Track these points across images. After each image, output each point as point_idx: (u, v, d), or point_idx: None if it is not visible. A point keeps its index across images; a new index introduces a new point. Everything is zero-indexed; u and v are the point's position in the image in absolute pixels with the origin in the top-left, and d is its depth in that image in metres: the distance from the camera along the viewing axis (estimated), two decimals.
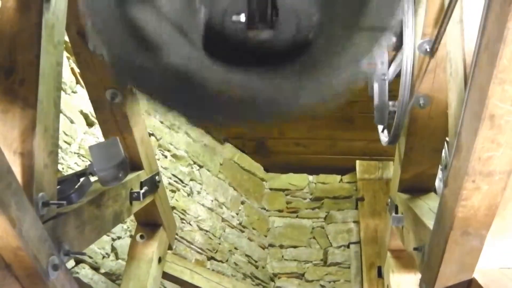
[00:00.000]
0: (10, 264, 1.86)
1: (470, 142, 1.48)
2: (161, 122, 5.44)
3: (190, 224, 5.48)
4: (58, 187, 2.24)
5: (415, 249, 2.35)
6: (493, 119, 1.38)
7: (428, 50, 2.34)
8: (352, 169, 6.14)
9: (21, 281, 1.94)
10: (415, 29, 2.36)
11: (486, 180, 1.52)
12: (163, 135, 5.39)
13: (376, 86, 2.72)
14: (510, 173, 1.51)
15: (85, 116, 4.53)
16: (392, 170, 3.38)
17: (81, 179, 2.41)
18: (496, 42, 1.29)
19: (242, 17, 1.82)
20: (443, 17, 1.91)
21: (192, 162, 5.67)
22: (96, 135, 4.58)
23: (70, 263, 4.11)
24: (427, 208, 2.54)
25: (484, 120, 1.39)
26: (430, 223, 2.06)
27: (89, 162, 4.40)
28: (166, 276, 4.32)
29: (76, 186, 2.37)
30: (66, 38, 2.44)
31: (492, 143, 1.43)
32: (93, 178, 2.49)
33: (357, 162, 6.06)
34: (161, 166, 5.06)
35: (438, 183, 2.85)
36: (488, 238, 1.70)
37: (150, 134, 4.95)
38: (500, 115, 1.37)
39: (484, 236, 1.68)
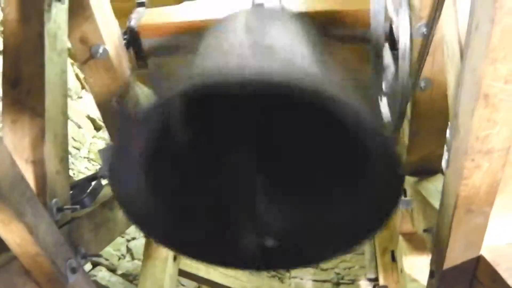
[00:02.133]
0: (30, 270, 1.92)
1: (467, 122, 1.51)
2: None
3: None
4: (71, 192, 2.29)
5: (425, 230, 2.38)
6: (487, 98, 1.41)
7: (425, 33, 2.37)
8: None
9: (42, 286, 1.99)
10: (410, 13, 2.38)
11: (486, 158, 1.55)
12: None
13: None
14: (508, 150, 1.54)
15: (92, 121, 4.59)
16: None
17: (93, 183, 2.46)
18: (485, 22, 1.32)
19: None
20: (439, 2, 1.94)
21: None
22: (104, 138, 4.64)
23: (87, 267, 4.17)
24: (435, 189, 2.57)
25: (479, 100, 1.42)
26: (437, 204, 2.08)
27: (99, 166, 4.46)
28: (182, 273, 4.36)
29: (88, 190, 2.42)
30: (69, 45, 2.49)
31: (488, 122, 1.46)
32: (104, 182, 2.54)
33: None
34: None
35: (444, 164, 2.88)
36: (492, 214, 1.73)
37: None
38: (494, 93, 1.40)
39: (488, 213, 1.71)
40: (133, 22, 2.85)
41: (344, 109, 1.51)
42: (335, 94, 1.52)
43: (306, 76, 1.67)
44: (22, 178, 1.74)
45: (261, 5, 2.45)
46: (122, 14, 2.86)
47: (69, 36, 2.34)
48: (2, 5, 2.97)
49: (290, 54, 1.89)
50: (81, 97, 4.44)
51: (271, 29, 2.12)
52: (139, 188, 1.83)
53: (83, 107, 4.45)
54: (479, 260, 1.85)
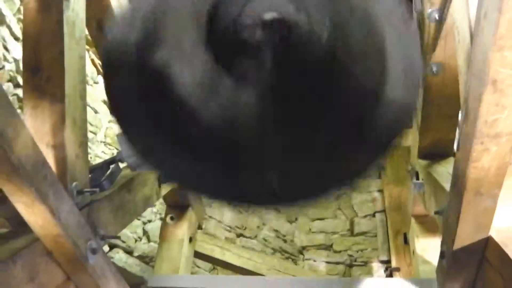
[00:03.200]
0: (51, 251, 1.98)
1: (476, 106, 1.55)
2: None
3: None
4: (90, 175, 2.35)
5: (436, 212, 2.42)
6: (495, 84, 1.45)
7: (437, 18, 2.39)
8: None
9: (63, 266, 2.06)
10: None
11: (494, 142, 1.58)
12: None
13: None
14: None
15: (109, 106, 4.64)
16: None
17: (111, 167, 2.51)
18: (493, 11, 1.35)
19: None
20: None
21: None
22: None
23: (105, 249, 4.25)
24: (446, 172, 2.60)
25: (487, 85, 1.46)
26: (448, 186, 2.11)
27: (115, 150, 4.53)
28: (197, 255, 4.43)
29: (107, 174, 2.48)
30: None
31: (497, 107, 1.50)
32: (122, 165, 2.59)
33: None
34: None
35: (456, 146, 2.91)
36: (501, 197, 1.76)
37: None
38: (502, 79, 1.43)
39: (497, 195, 1.75)
40: None
41: None
42: None
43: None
44: (45, 162, 1.80)
45: None
46: None
47: (87, 23, 2.37)
48: None
49: None
50: (97, 83, 4.49)
51: None
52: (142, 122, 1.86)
53: (99, 92, 4.50)
54: (488, 241, 1.89)
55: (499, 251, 1.81)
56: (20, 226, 1.93)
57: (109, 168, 2.50)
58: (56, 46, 2.10)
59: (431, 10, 2.40)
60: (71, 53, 2.14)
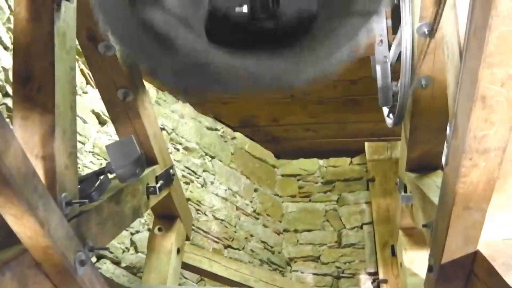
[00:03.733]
0: (40, 262, 1.97)
1: (465, 122, 1.57)
2: (172, 112, 5.54)
3: (206, 214, 5.58)
4: (79, 186, 2.35)
5: (424, 225, 2.43)
6: (484, 100, 1.47)
7: (426, 32, 2.41)
8: (362, 151, 6.19)
9: (52, 278, 2.05)
10: (413, 11, 2.43)
11: (483, 157, 1.60)
12: (175, 124, 5.48)
13: (378, 69, 2.79)
14: (505, 150, 1.59)
15: (97, 115, 4.63)
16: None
17: (100, 178, 2.51)
18: (482, 29, 1.37)
19: (245, 8, 1.91)
20: (439, 1, 1.99)
21: (204, 154, 5.75)
22: (109, 133, 4.68)
23: (92, 259, 4.23)
24: (434, 185, 2.62)
25: (477, 101, 1.48)
26: (436, 199, 2.13)
27: (104, 160, 4.51)
28: (185, 266, 4.41)
29: (96, 185, 2.47)
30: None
31: (486, 122, 1.52)
32: (111, 176, 2.59)
33: (366, 144, 6.10)
34: (174, 159, 5.16)
35: (445, 161, 2.92)
36: (489, 211, 1.78)
37: (161, 129, 5.04)
38: (491, 96, 1.45)
39: (485, 210, 1.77)
40: None
41: None
42: None
43: None
44: (35, 173, 1.79)
45: None
46: None
47: (77, 33, 2.38)
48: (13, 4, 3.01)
49: None
50: (86, 92, 4.48)
51: None
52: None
53: (88, 102, 4.48)
54: (476, 255, 1.90)
55: (487, 265, 1.82)
56: (8, 237, 1.92)
57: (98, 179, 2.50)
58: (46, 57, 2.10)
59: (420, 24, 2.42)
60: (61, 63, 2.15)
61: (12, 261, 1.86)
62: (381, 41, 2.76)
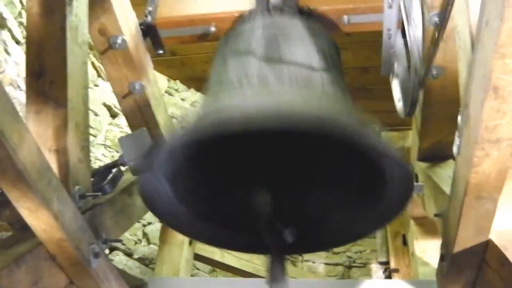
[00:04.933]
0: (54, 255, 1.99)
1: (477, 112, 1.57)
2: (182, 100, 5.55)
3: None
4: (92, 179, 2.36)
5: (435, 215, 2.43)
6: (497, 91, 1.47)
7: (437, 22, 2.40)
8: None
9: (66, 271, 2.07)
10: (422, 1, 2.42)
11: (495, 147, 1.60)
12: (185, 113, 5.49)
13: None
14: None
15: (109, 108, 4.66)
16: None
17: (113, 170, 2.52)
18: (495, 19, 1.37)
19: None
20: None
21: None
22: (120, 125, 4.71)
23: (105, 251, 4.26)
24: (446, 175, 2.62)
25: (489, 92, 1.48)
26: (448, 189, 2.13)
27: (115, 153, 4.54)
28: (197, 257, 4.44)
29: (109, 178, 2.49)
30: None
31: (498, 113, 1.51)
32: (124, 169, 2.60)
33: None
34: None
35: (455, 150, 2.92)
36: (501, 200, 1.78)
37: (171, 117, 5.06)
38: (503, 86, 1.45)
39: (497, 199, 1.77)
40: (149, 13, 2.91)
41: (357, 136, 1.75)
42: (351, 123, 1.77)
43: (323, 108, 1.89)
44: (49, 167, 1.82)
45: (277, 6, 2.47)
46: (137, 2, 2.92)
47: (89, 27, 2.39)
48: None
49: (306, 77, 2.09)
50: (97, 85, 4.51)
51: (288, 49, 2.21)
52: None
53: (99, 95, 4.51)
54: (488, 244, 1.90)
55: (499, 254, 1.83)
56: (23, 230, 1.94)
57: (111, 172, 2.51)
58: (59, 51, 2.11)
59: (431, 14, 2.41)
60: (73, 58, 2.16)
61: (26, 254, 1.88)
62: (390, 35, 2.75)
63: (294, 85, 2.01)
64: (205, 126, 1.79)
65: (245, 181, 2.22)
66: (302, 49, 2.23)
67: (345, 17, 2.78)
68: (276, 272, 1.97)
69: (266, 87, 1.99)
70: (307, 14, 2.57)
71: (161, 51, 2.97)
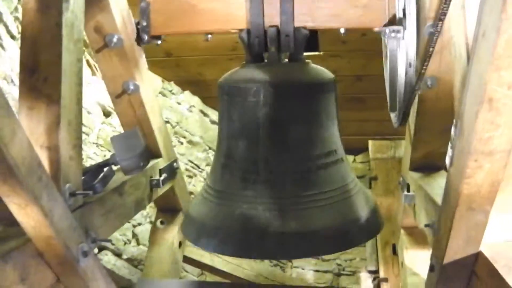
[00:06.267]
0: (43, 253, 1.98)
1: (471, 123, 1.57)
2: (178, 103, 5.54)
3: None
4: (83, 177, 2.35)
5: (426, 225, 2.43)
6: (491, 102, 1.47)
7: (433, 32, 2.41)
8: (365, 149, 6.17)
9: (54, 269, 2.06)
10: (419, 12, 2.42)
11: (488, 159, 1.60)
12: (179, 117, 5.48)
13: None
14: (510, 152, 1.59)
15: (102, 107, 4.64)
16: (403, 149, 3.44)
17: (104, 169, 2.51)
18: (491, 31, 1.37)
19: None
20: (444, 1, 1.99)
21: (207, 148, 5.76)
22: (113, 125, 4.69)
23: (94, 250, 4.24)
24: (437, 186, 2.61)
25: (483, 103, 1.48)
26: (439, 200, 2.13)
27: (107, 152, 4.53)
28: (187, 260, 4.42)
29: (100, 176, 2.48)
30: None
31: (492, 125, 1.52)
32: (115, 168, 2.59)
33: (370, 142, 6.07)
34: (178, 153, 5.16)
35: (448, 161, 2.92)
36: (492, 213, 1.78)
37: (166, 122, 5.05)
38: (498, 98, 1.45)
39: (488, 211, 1.77)
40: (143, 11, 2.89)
41: None
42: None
43: None
44: (39, 163, 1.80)
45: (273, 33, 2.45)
46: (134, 1, 2.90)
47: (84, 25, 2.38)
48: None
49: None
50: (91, 83, 4.49)
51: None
52: None
53: (93, 93, 4.50)
54: (478, 256, 1.90)
55: (489, 267, 1.82)
56: (12, 226, 1.93)
57: (102, 171, 2.50)
58: (54, 48, 2.10)
59: (427, 25, 2.42)
60: (68, 54, 2.14)
61: (14, 250, 1.86)
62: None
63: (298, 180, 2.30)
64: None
65: None
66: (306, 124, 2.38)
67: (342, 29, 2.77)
68: None
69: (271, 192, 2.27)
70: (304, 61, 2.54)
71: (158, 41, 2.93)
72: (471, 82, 1.58)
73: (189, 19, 2.45)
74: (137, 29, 2.84)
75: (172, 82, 5.63)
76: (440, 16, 2.08)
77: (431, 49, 2.38)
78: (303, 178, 2.28)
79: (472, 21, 1.77)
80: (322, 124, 2.37)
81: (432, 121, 2.71)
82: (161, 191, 3.30)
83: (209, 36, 2.48)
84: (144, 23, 2.46)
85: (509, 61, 1.38)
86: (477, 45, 1.51)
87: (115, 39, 2.65)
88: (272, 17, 2.34)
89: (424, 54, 2.46)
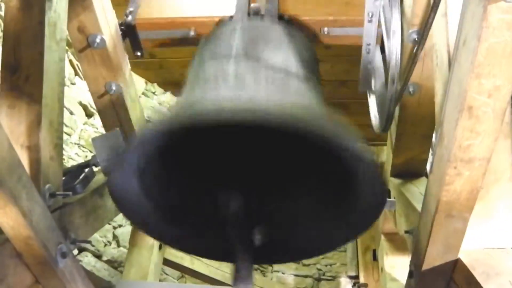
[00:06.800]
0: (21, 253, 1.96)
1: (451, 131, 1.58)
2: (159, 104, 5.52)
3: None
4: (63, 178, 2.34)
5: (406, 232, 2.44)
6: (471, 110, 1.48)
7: (416, 39, 2.42)
8: None
9: (32, 269, 2.04)
10: (402, 18, 2.44)
11: (467, 167, 1.61)
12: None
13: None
14: (489, 160, 1.60)
15: (84, 107, 4.61)
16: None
17: (85, 170, 2.50)
18: (472, 39, 1.39)
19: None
20: (430, 10, 2.00)
21: None
22: (95, 125, 4.66)
23: (74, 252, 4.21)
24: (418, 192, 2.63)
25: (463, 111, 1.49)
26: (420, 206, 2.14)
27: (89, 153, 4.50)
28: (167, 262, 4.40)
29: (80, 177, 2.46)
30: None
31: (471, 132, 1.53)
32: (96, 169, 2.58)
33: None
34: None
35: (429, 167, 2.94)
36: (471, 220, 1.79)
37: (147, 121, 5.02)
38: (478, 106, 1.47)
39: (467, 219, 1.78)
40: (129, 13, 2.88)
41: (332, 136, 1.73)
42: (324, 123, 1.76)
43: (299, 107, 1.88)
44: (19, 163, 1.79)
45: (257, 13, 2.49)
46: (118, 2, 2.90)
47: (68, 24, 2.37)
48: None
49: (283, 79, 2.10)
50: (74, 84, 4.46)
51: (267, 52, 2.23)
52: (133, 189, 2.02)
53: (75, 94, 4.47)
54: (457, 263, 1.91)
55: (467, 274, 1.84)
56: None
57: (83, 171, 2.49)
58: (36, 46, 2.09)
59: (411, 32, 2.43)
60: (51, 54, 2.13)
61: None
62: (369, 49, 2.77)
63: (270, 85, 2.01)
64: (177, 117, 1.74)
65: (217, 183, 2.21)
66: (281, 53, 2.24)
67: (325, 29, 2.79)
68: (243, 272, 1.96)
69: (241, 84, 1.99)
70: (286, 22, 2.58)
71: (139, 53, 2.94)
72: (452, 90, 1.59)
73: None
74: (121, 30, 2.85)
75: (155, 84, 5.61)
76: (426, 24, 2.11)
77: (414, 55, 2.40)
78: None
79: (454, 29, 1.78)
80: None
81: (413, 127, 2.73)
82: None
83: (192, 33, 2.50)
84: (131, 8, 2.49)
85: (490, 69, 1.39)
86: (458, 52, 1.52)
87: (98, 40, 2.64)
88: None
89: (407, 60, 2.48)
